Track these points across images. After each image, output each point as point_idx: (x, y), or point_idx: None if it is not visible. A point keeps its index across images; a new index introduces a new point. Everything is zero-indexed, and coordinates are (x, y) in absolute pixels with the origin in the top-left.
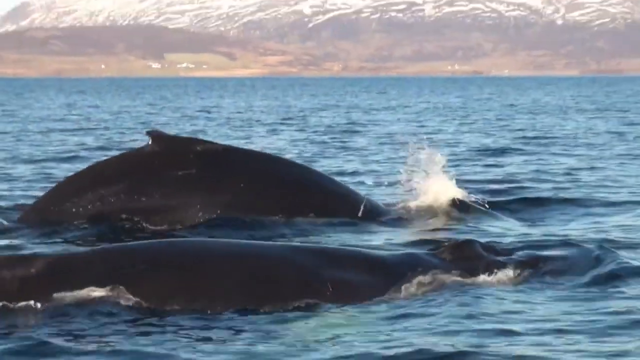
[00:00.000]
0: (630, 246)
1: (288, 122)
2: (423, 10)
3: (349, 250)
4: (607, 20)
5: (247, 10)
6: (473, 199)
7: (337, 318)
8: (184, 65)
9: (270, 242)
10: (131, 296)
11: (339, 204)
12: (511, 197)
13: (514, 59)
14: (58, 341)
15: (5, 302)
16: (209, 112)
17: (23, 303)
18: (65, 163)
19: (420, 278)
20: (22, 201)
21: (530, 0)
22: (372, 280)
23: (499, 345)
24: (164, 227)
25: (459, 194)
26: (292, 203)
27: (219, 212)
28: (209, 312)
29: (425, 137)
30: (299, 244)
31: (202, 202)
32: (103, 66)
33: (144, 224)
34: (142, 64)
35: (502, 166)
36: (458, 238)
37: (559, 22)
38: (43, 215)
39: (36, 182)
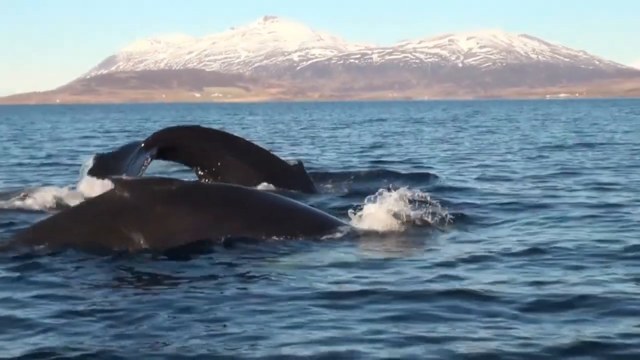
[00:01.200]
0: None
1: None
2: (372, 58)
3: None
4: (490, 63)
5: (257, 59)
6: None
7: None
8: (216, 94)
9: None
10: (229, 222)
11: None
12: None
13: (430, 88)
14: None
15: (153, 209)
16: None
17: (163, 212)
18: None
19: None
20: None
21: (441, 51)
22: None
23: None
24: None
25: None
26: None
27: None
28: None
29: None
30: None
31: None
32: (164, 96)
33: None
34: (188, 94)
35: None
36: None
37: (460, 65)
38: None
39: None
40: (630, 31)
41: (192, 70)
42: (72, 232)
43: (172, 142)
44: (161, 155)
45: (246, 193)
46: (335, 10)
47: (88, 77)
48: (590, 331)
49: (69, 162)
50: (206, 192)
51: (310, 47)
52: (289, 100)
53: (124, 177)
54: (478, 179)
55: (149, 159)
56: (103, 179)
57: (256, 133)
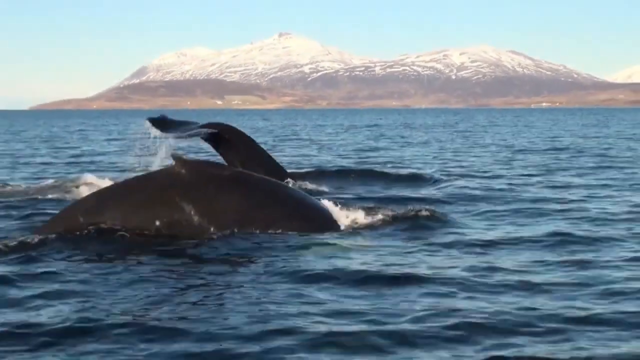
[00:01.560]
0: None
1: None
2: (374, 70)
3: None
4: (480, 76)
5: (272, 71)
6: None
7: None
8: (236, 102)
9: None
10: (266, 210)
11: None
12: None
13: (427, 98)
14: None
15: (205, 187)
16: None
17: (213, 191)
18: None
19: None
20: None
21: (436, 65)
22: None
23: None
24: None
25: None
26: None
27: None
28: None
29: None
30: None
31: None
32: (189, 103)
33: None
34: (211, 102)
35: (370, 156)
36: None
37: (453, 77)
38: None
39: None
40: (606, 48)
41: (215, 81)
42: (129, 199)
43: (225, 136)
44: (211, 140)
45: (283, 188)
46: (342, 28)
47: (121, 85)
48: (519, 312)
49: (88, 160)
50: (252, 181)
51: (320, 61)
52: (301, 107)
53: (184, 156)
54: (453, 176)
55: (201, 134)
56: (161, 130)
57: (262, 137)
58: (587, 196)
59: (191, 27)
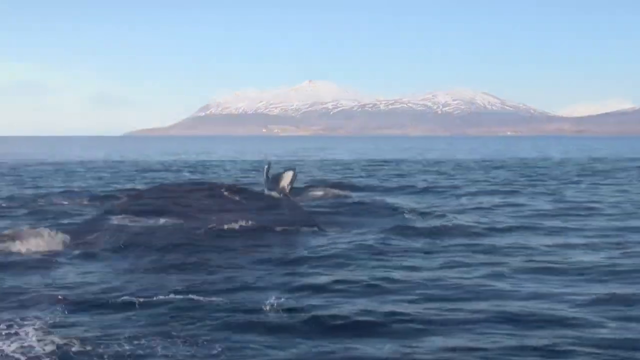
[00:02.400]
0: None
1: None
2: (380, 106)
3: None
4: (459, 111)
5: (304, 107)
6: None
7: None
8: (276, 130)
9: None
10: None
11: None
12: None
13: (420, 128)
14: None
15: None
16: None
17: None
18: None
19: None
20: None
21: (427, 103)
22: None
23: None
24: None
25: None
26: None
27: None
28: None
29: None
30: None
31: None
32: (241, 131)
33: None
34: (258, 130)
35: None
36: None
37: (439, 112)
38: None
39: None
40: (555, 89)
41: (261, 114)
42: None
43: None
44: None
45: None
46: (356, 75)
47: (191, 118)
48: (374, 279)
49: (145, 174)
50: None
51: (339, 99)
52: (325, 134)
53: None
54: (402, 185)
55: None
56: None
57: (288, 157)
58: (500, 204)
59: (244, 74)
